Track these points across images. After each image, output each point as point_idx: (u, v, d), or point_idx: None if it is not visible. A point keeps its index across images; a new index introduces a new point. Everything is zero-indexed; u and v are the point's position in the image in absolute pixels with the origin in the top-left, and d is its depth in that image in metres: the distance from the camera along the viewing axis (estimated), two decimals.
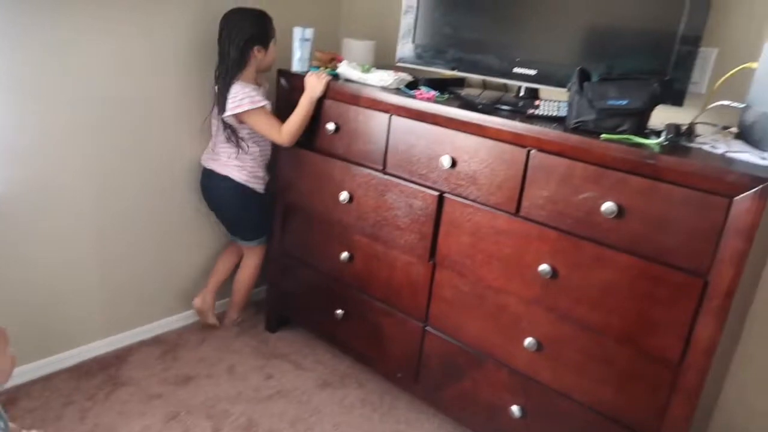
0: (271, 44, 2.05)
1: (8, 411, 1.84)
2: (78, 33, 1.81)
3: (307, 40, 2.02)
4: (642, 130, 1.45)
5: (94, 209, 2.02)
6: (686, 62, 1.50)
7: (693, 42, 1.48)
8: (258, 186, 2.19)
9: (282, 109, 2.07)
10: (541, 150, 1.50)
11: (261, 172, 2.19)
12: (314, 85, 1.93)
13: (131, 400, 1.96)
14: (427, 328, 1.86)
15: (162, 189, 2.18)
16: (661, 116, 1.51)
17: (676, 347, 1.36)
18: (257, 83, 2.07)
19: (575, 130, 1.48)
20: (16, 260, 1.88)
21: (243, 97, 1.96)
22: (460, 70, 1.88)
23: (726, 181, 1.24)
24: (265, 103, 2.00)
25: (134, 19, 1.92)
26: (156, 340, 2.30)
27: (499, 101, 1.75)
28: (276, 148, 2.14)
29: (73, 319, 2.08)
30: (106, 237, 2.08)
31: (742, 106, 1.48)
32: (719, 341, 1.31)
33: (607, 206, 1.40)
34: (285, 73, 2.08)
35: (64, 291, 2.02)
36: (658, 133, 1.46)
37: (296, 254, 2.23)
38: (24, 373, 1.98)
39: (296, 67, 2.07)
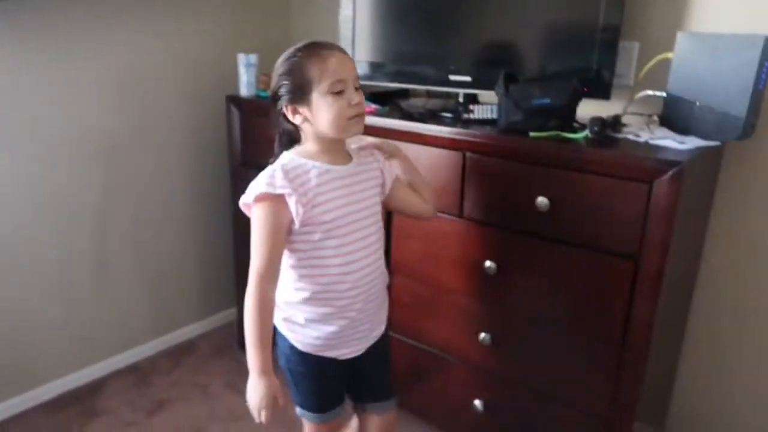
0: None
1: None
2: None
3: (252, 65, 2.08)
4: (570, 125, 1.52)
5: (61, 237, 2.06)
6: (608, 57, 1.57)
7: (612, 37, 1.55)
8: None
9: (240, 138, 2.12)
10: (475, 152, 1.56)
11: None
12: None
13: (106, 430, 1.99)
14: (391, 333, 1.90)
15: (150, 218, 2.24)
16: (593, 110, 1.57)
17: (617, 327, 1.41)
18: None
19: (507, 131, 1.54)
20: None
21: None
22: (399, 82, 1.94)
23: (644, 167, 1.30)
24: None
25: None
26: (130, 369, 2.33)
27: (443, 109, 1.81)
28: None
29: (44, 354, 2.11)
30: (72, 270, 2.12)
31: (663, 94, 1.55)
32: (656, 320, 1.37)
33: (541, 201, 1.46)
34: (234, 98, 2.13)
35: (30, 327, 2.05)
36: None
37: None
38: None
39: (244, 91, 2.12)
